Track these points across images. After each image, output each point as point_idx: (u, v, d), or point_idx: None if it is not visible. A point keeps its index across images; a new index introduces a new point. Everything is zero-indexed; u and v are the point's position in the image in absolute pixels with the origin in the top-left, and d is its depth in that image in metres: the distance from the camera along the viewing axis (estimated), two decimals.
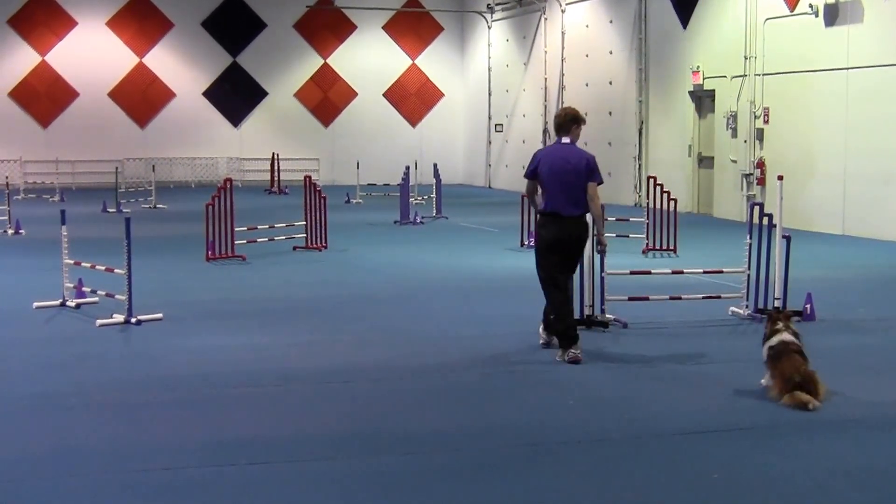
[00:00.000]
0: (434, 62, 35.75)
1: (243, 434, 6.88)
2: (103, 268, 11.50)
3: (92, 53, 32.59)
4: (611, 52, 27.12)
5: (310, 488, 5.91)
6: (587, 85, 28.29)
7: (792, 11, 20.41)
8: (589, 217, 9.37)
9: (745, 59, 21.63)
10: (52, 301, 11.53)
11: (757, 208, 11.06)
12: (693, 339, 9.95)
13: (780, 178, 11.04)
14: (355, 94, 35.06)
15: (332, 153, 34.82)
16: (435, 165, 23.66)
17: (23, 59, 32.28)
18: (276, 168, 31.35)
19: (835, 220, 19.46)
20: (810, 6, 19.77)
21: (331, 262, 15.80)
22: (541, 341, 9.48)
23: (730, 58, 22.09)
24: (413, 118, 35.71)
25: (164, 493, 5.83)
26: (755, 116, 21.57)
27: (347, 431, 6.98)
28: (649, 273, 12.06)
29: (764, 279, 10.82)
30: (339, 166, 34.27)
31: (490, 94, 34.05)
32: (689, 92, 23.92)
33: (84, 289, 11.63)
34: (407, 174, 21.95)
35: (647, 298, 11.06)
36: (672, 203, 16.40)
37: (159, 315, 10.78)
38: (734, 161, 22.17)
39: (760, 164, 21.42)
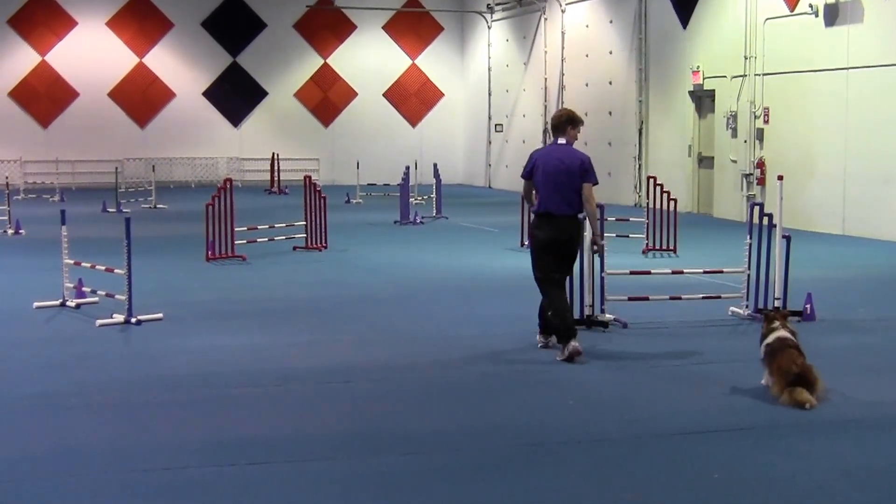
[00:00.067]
0: (434, 62, 35.75)
1: (243, 434, 6.88)
2: (103, 268, 11.50)
3: (92, 53, 32.59)
4: (611, 52, 27.12)
5: (310, 488, 5.91)
6: (587, 85, 28.29)
7: (792, 11, 20.42)
8: (582, 217, 9.40)
9: (745, 59, 21.63)
10: (52, 301, 11.53)
11: (757, 208, 11.06)
12: (693, 339, 9.95)
13: (780, 178, 11.03)
14: (355, 94, 35.06)
15: (332, 153, 34.82)
16: (435, 165, 23.66)
17: (23, 59, 32.28)
18: (276, 168, 31.35)
19: (835, 220, 19.46)
20: (810, 6, 19.77)
21: (331, 262, 15.80)
22: (539, 345, 9.49)
23: (730, 58, 22.09)
24: (413, 118, 35.72)
25: (164, 493, 5.83)
26: (755, 116, 21.57)
27: (347, 431, 6.98)
28: (649, 273, 12.06)
29: (764, 279, 10.82)
30: (339, 166, 34.27)
31: (490, 94, 34.05)
32: (689, 92, 23.92)
33: (84, 289, 11.63)
34: (407, 174, 21.95)
35: (647, 298, 11.07)
36: (672, 203, 16.40)
37: (159, 315, 10.78)
38: (734, 161, 22.17)
39: (760, 164, 21.42)
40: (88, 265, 11.62)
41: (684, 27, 23.97)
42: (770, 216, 10.96)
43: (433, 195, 23.06)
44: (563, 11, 29.19)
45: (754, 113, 21.57)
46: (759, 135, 21.50)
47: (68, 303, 11.50)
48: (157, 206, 25.46)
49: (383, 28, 35.11)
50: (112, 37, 32.97)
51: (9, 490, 5.83)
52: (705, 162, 23.63)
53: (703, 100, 23.69)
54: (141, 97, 33.36)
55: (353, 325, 10.79)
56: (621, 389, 8.14)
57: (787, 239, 10.78)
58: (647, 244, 16.65)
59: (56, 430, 6.99)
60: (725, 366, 8.84)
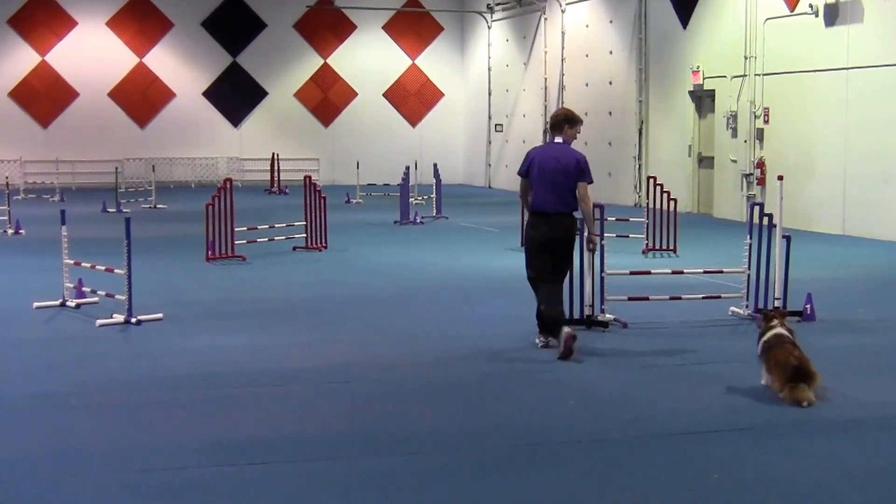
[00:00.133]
0: (434, 62, 35.75)
1: (243, 434, 6.88)
2: (103, 268, 11.49)
3: (92, 53, 32.59)
4: (611, 52, 27.12)
5: (310, 488, 5.91)
6: (587, 85, 28.29)
7: (792, 11, 20.42)
8: (577, 216, 9.44)
9: (745, 59, 21.63)
10: (52, 301, 11.53)
11: (757, 208, 11.06)
12: (693, 339, 9.95)
13: (780, 178, 11.03)
14: (355, 94, 35.06)
15: (332, 153, 34.82)
16: (435, 165, 23.66)
17: (23, 59, 32.28)
18: (276, 168, 31.35)
19: (835, 220, 19.46)
20: (810, 6, 19.77)
21: (331, 262, 15.80)
22: (539, 345, 9.49)
23: (730, 58, 22.09)
24: (413, 118, 35.72)
25: (164, 493, 5.83)
26: (755, 116, 21.57)
27: (347, 431, 6.98)
28: (649, 273, 12.06)
29: (764, 279, 10.81)
30: (339, 166, 34.27)
31: (490, 94, 34.05)
32: (689, 92, 23.92)
33: (84, 289, 11.63)
34: (407, 174, 21.95)
35: (647, 298, 11.07)
36: (672, 203, 16.40)
37: (159, 315, 10.78)
38: (734, 161, 22.17)
39: (760, 164, 21.42)
40: (88, 265, 11.62)
41: (684, 27, 23.97)
42: (770, 216, 10.96)
43: (433, 195, 23.06)
44: (563, 11, 29.19)
45: (754, 113, 21.57)
46: (759, 135, 21.50)
47: (68, 303, 11.50)
48: (157, 206, 25.46)
49: (383, 28, 35.11)
50: (112, 37, 32.97)
51: (9, 490, 5.83)
52: (705, 162, 23.63)
53: (703, 100, 23.69)
54: (141, 97, 33.36)
55: (353, 325, 10.79)
56: (621, 389, 8.14)
57: (787, 239, 10.78)
58: (647, 244, 16.65)
59: (56, 430, 6.99)
60: (725, 366, 8.84)
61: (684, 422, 7.19)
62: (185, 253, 16.23)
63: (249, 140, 34.23)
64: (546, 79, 30.37)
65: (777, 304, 10.60)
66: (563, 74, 29.37)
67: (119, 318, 10.53)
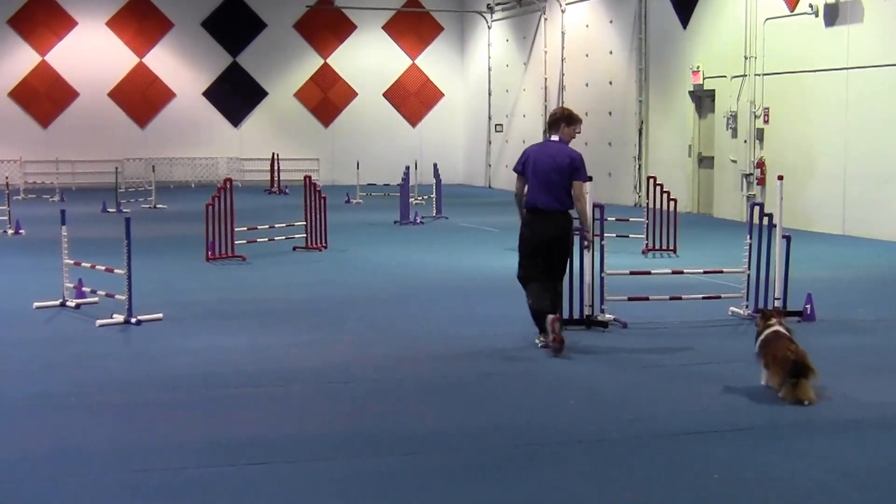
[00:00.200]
0: (434, 62, 35.75)
1: (243, 434, 6.88)
2: (103, 268, 11.49)
3: (92, 53, 32.60)
4: (611, 52, 27.12)
5: (310, 488, 5.91)
6: (587, 85, 28.28)
7: (792, 11, 20.42)
8: (573, 214, 9.45)
9: (745, 59, 21.63)
10: (52, 301, 11.52)
11: (757, 208, 11.06)
12: (693, 339, 9.96)
13: (780, 178, 11.03)
14: (355, 94, 35.06)
15: (332, 153, 34.81)
16: (435, 165, 23.66)
17: (23, 59, 32.29)
18: (276, 168, 31.35)
19: (835, 220, 19.46)
20: (810, 6, 19.77)
21: (331, 262, 15.80)
22: (539, 345, 9.49)
23: (730, 58, 22.09)
24: (413, 118, 35.72)
25: (164, 493, 5.83)
26: (755, 116, 21.57)
27: (347, 431, 6.97)
28: (649, 273, 12.06)
29: (764, 279, 10.81)
30: (339, 166, 34.27)
31: (490, 94, 34.06)
32: (689, 92, 23.92)
33: (84, 289, 11.63)
34: (407, 174, 21.95)
35: (647, 298, 11.07)
36: (672, 203, 16.39)
37: (159, 315, 10.78)
38: (734, 161, 22.17)
39: (760, 164, 21.42)
40: (88, 265, 11.62)
41: (684, 27, 23.96)
42: (770, 216, 10.96)
43: (433, 195, 23.06)
44: (563, 11, 29.19)
45: (754, 113, 21.57)
46: (759, 135, 21.50)
47: (68, 303, 11.50)
48: (157, 206, 25.46)
49: (383, 28, 35.11)
50: (112, 37, 32.97)
51: (9, 490, 5.83)
52: (705, 162, 23.63)
53: (703, 100, 23.69)
54: (141, 97, 33.36)
55: (353, 325, 10.79)
56: (621, 389, 8.14)
57: (787, 239, 10.78)
58: (647, 244, 16.64)
59: (56, 430, 6.99)
60: (725, 366, 8.84)
61: (684, 422, 7.19)
62: (185, 253, 16.23)
63: (249, 140, 34.23)
64: (546, 79, 30.37)
65: (777, 304, 10.60)
66: (563, 74, 29.37)
67: (119, 318, 10.53)
